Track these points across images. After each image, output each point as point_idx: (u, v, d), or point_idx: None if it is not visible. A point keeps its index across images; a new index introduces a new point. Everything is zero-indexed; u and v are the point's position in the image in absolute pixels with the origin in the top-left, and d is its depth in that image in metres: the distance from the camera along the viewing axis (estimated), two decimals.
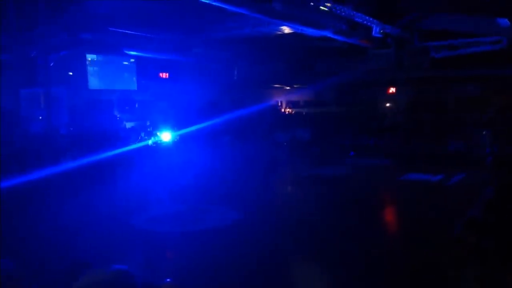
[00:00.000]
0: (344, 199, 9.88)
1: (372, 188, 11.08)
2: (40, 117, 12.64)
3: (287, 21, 10.67)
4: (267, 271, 5.81)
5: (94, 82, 13.78)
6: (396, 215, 9.31)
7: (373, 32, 11.62)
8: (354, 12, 10.48)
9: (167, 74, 15.13)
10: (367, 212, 8.77)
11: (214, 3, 8.44)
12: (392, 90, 19.49)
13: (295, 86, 20.72)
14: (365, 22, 11.18)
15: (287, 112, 21.26)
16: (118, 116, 13.66)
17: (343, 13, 10.32)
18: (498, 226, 4.64)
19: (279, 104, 21.25)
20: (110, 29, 11.62)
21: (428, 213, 8.44)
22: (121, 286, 1.44)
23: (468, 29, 12.47)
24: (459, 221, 6.22)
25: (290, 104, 21.67)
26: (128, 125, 13.40)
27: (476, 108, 17.15)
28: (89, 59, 13.70)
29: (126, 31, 12.05)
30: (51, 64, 12.31)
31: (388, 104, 20.58)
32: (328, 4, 9.71)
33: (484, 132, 14.22)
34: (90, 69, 13.71)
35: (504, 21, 11.16)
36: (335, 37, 12.48)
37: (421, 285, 5.30)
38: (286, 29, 12.45)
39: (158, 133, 10.94)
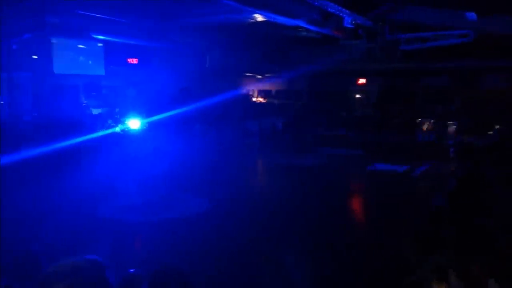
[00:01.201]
0: (313, 188, 9.99)
1: (340, 178, 11.25)
2: (2, 102, 12.15)
3: (260, 9, 10.56)
4: (238, 259, 5.82)
5: (59, 67, 13.30)
6: (362, 205, 9.48)
7: (345, 23, 11.67)
8: (327, 2, 10.47)
9: (137, 59, 14.77)
10: (334, 200, 8.90)
11: None
12: (363, 81, 19.74)
13: (267, 75, 20.68)
14: (337, 12, 11.20)
15: (259, 101, 21.23)
16: (84, 102, 13.28)
17: (316, 3, 10.30)
18: (459, 215, 4.77)
19: (252, 92, 21.17)
20: (77, 11, 11.20)
21: (393, 203, 8.62)
22: (92, 276, 1.39)
23: (437, 22, 12.68)
24: (423, 210, 6.38)
25: (263, 93, 21.64)
26: (95, 111, 13.05)
27: (444, 99, 17.60)
28: (54, 42, 13.19)
29: (94, 15, 11.65)
30: (14, 48, 11.82)
31: (359, 95, 20.84)
32: None
33: (450, 123, 14.60)
34: (55, 53, 13.21)
35: (471, 15, 11.40)
36: (308, 26, 12.46)
37: (383, 272, 5.41)
38: (259, 17, 12.35)
39: (126, 120, 10.68)
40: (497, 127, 12.35)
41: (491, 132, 12.16)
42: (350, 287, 5.15)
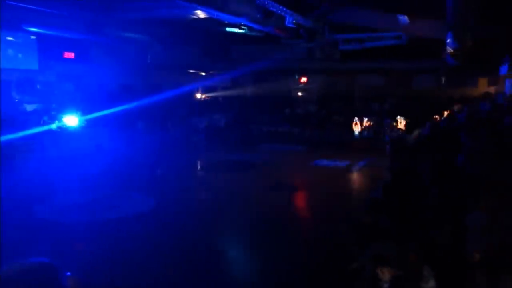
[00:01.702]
0: (257, 184, 10.14)
1: (284, 173, 11.50)
2: None
3: (203, 5, 10.51)
4: (181, 259, 5.79)
5: None
6: (304, 198, 9.77)
7: (286, 22, 11.92)
8: (269, 1, 10.63)
9: (73, 54, 14.11)
10: (277, 195, 9.10)
11: None
12: (304, 79, 20.27)
13: (211, 72, 20.61)
14: (279, 11, 11.40)
15: (204, 98, 21.11)
16: (16, 98, 12.48)
17: (258, 1, 10.43)
18: (394, 207, 5.07)
19: (196, 90, 21.00)
20: (8, 2, 10.50)
21: (334, 196, 8.98)
22: (44, 279, 1.33)
23: (372, 24, 13.32)
24: (361, 202, 6.71)
25: (207, 90, 21.54)
26: (29, 107, 12.33)
27: (380, 98, 18.52)
28: None
29: (26, 6, 11.00)
30: None
31: (301, 93, 21.37)
32: None
33: (385, 121, 15.38)
34: None
35: (403, 18, 12.08)
36: (251, 24, 12.58)
37: (324, 262, 5.63)
38: (202, 14, 12.27)
39: (63, 117, 10.20)
40: (427, 123, 13.16)
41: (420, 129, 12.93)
42: (295, 277, 5.32)
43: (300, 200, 9.77)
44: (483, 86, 17.57)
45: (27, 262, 1.38)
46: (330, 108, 18.61)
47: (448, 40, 10.81)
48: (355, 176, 11.30)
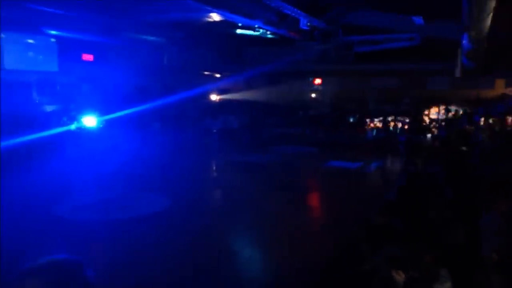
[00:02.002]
0: (271, 185, 10.20)
1: (297, 175, 11.54)
2: None
3: (218, 8, 10.62)
4: (196, 258, 5.88)
5: (9, 62, 12.73)
6: (318, 200, 9.80)
7: (301, 24, 11.96)
8: (283, 4, 10.69)
9: (92, 56, 14.36)
10: (292, 196, 9.15)
11: None
12: (318, 81, 20.27)
13: (225, 74, 20.73)
14: (293, 14, 11.46)
15: (217, 100, 21.23)
16: (36, 99, 12.77)
17: (273, 4, 10.51)
18: (408, 208, 5.09)
19: (209, 91, 21.13)
20: (28, 5, 10.75)
21: (347, 197, 9.00)
22: (70, 274, 1.37)
23: (387, 25, 13.29)
24: (375, 204, 6.72)
25: (220, 91, 21.66)
26: (49, 108, 12.60)
27: (394, 99, 18.44)
28: (4, 37, 12.59)
29: (46, 9, 11.23)
30: None
31: (314, 95, 21.38)
32: None
33: (399, 122, 15.33)
34: (5, 48, 12.61)
35: (418, 19, 12.04)
36: (265, 27, 12.65)
37: (337, 263, 5.67)
38: (217, 17, 12.38)
39: (82, 118, 10.42)
40: (443, 124, 13.10)
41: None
42: (308, 278, 5.37)
43: (313, 201, 9.80)
44: (500, 88, 17.37)
45: (53, 258, 1.41)
46: (344, 110, 18.58)
47: (463, 41, 10.74)
48: (368, 178, 11.28)
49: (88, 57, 14.24)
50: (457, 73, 17.17)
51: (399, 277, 3.11)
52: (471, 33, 10.12)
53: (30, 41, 12.90)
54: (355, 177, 11.30)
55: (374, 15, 12.77)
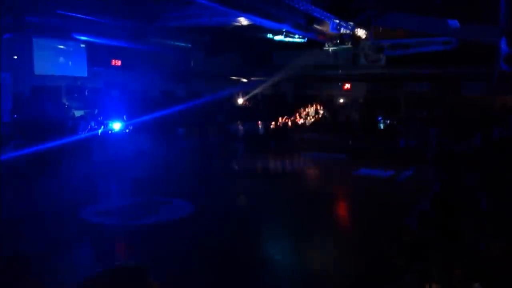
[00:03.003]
0: (300, 192, 9.96)
1: (325, 182, 11.25)
2: None
3: (246, 12, 10.54)
4: (221, 264, 5.74)
5: (40, 67, 13.05)
6: (346, 208, 9.48)
7: (330, 28, 11.72)
8: (313, 7, 10.51)
9: (120, 61, 14.58)
10: (318, 204, 8.90)
11: None
12: (347, 86, 19.91)
13: (252, 78, 20.68)
14: (322, 17, 11.25)
15: (243, 104, 21.19)
16: (66, 103, 13.04)
17: (302, 7, 10.33)
18: (442, 219, 4.80)
19: (236, 96, 21.13)
20: (58, 12, 10.98)
21: (378, 207, 8.66)
22: (135, 282, 1.39)
23: (420, 29, 12.86)
24: (407, 214, 6.41)
25: (247, 96, 21.62)
26: (77, 113, 12.84)
27: (426, 105, 17.86)
28: (36, 43, 12.94)
29: (76, 15, 11.45)
30: None
31: (343, 100, 21.02)
32: None
33: (431, 129, 14.78)
34: (36, 53, 12.94)
35: (454, 23, 11.58)
36: (293, 31, 12.50)
37: (367, 275, 5.41)
38: (244, 21, 12.32)
39: (109, 123, 10.53)
40: (478, 133, 12.53)
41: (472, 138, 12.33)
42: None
43: (342, 210, 9.50)
44: None
45: (120, 265, 1.44)
46: (374, 115, 18.12)
47: (501, 45, 10.25)
48: (400, 186, 10.86)
49: (116, 62, 14.46)
50: (494, 78, 16.48)
51: None
52: (510, 36, 9.64)
53: (61, 47, 13.19)
54: (387, 186, 10.91)
55: (406, 18, 12.38)
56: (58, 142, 9.44)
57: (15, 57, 12.76)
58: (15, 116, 11.96)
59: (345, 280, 5.40)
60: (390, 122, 17.00)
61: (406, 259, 4.00)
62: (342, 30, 12.38)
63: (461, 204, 5.31)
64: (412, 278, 3.27)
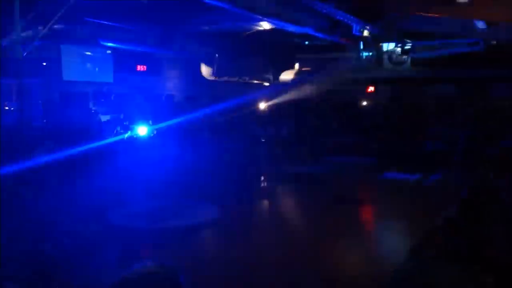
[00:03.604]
0: (322, 197, 9.90)
1: (350, 186, 11.15)
2: (12, 109, 12.21)
3: (269, 17, 10.57)
4: (249, 268, 5.77)
5: (68, 74, 13.41)
6: (372, 213, 9.37)
7: (354, 31, 11.64)
8: (335, 10, 10.46)
9: (145, 67, 14.83)
10: (343, 209, 8.83)
11: None
12: (371, 89, 19.65)
13: (275, 82, 20.66)
14: (346, 20, 11.19)
15: (267, 109, 21.16)
16: (93, 109, 13.33)
17: (324, 11, 10.30)
18: (470, 226, 4.68)
19: (259, 100, 21.12)
20: (86, 19, 11.27)
21: (404, 212, 8.53)
22: (167, 283, 1.40)
23: (446, 30, 12.63)
24: (433, 220, 6.29)
25: (270, 100, 21.57)
26: (104, 118, 13.10)
27: (453, 108, 17.48)
28: (63, 49, 13.30)
29: (103, 22, 11.72)
30: (24, 55, 11.90)
31: (367, 103, 20.76)
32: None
33: (460, 132, 14.45)
34: (64, 60, 13.30)
35: (481, 24, 11.34)
36: (316, 34, 12.46)
37: (393, 283, 5.33)
38: (267, 25, 12.37)
39: (134, 127, 10.71)
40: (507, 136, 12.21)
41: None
42: None
43: (367, 215, 9.40)
44: None
45: (149, 265, 1.44)
46: (399, 118, 17.83)
47: None
48: (426, 191, 10.66)
49: (142, 67, 14.70)
50: None
51: None
52: None
53: (88, 53, 13.51)
54: (413, 190, 10.72)
55: (431, 20, 12.18)
56: (85, 146, 9.64)
57: (44, 63, 13.13)
58: (45, 121, 12.29)
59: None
60: (417, 125, 16.69)
61: (433, 266, 3.94)
62: (366, 33, 12.28)
63: (490, 210, 5.18)
64: (439, 285, 3.20)
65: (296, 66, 19.64)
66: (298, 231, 7.42)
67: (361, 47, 15.35)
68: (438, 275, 3.53)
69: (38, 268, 4.44)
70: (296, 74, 18.46)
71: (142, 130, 10.75)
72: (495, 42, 12.69)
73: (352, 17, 11.12)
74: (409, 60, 14.88)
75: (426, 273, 3.96)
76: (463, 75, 16.24)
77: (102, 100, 13.93)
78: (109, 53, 14.10)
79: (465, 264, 3.43)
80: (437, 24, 12.13)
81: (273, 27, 12.16)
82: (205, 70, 17.14)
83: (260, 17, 10.77)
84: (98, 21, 11.63)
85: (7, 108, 12.39)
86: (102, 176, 9.32)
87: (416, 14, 11.90)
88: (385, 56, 15.02)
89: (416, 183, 11.32)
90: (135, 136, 10.71)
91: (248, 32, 13.54)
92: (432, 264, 4.35)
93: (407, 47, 14.49)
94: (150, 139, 10.94)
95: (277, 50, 17.51)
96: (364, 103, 20.59)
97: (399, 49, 14.90)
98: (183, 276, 1.43)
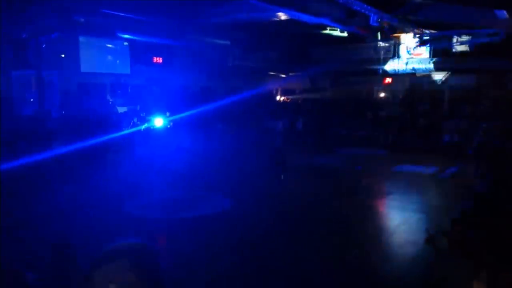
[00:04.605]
0: (339, 189, 9.88)
1: (365, 179, 11.08)
2: (32, 100, 12.47)
3: (284, 7, 10.52)
4: (260, 258, 5.81)
5: (86, 65, 13.58)
6: (389, 206, 9.31)
7: (371, 21, 11.49)
8: (352, 0, 10.35)
9: (161, 58, 14.93)
10: (357, 202, 8.81)
11: None
12: (388, 80, 19.42)
13: (290, 73, 20.58)
14: (362, 10, 11.05)
15: (282, 100, 21.14)
16: (110, 100, 13.51)
17: (341, 1, 10.20)
18: (487, 220, 4.64)
19: (274, 91, 21.11)
20: (103, 11, 11.39)
21: (419, 205, 8.47)
22: (146, 260, 1.36)
23: (465, 20, 12.37)
24: (449, 214, 6.24)
25: (285, 92, 21.53)
26: (121, 109, 13.26)
27: (471, 100, 17.17)
28: (82, 41, 13.47)
29: (120, 14, 11.83)
30: (43, 46, 12.10)
31: (384, 94, 20.54)
32: None
33: (479, 124, 14.20)
34: (82, 52, 13.48)
35: (502, 13, 11.07)
36: (333, 24, 12.36)
37: (404, 276, 5.34)
38: (283, 16, 12.29)
39: (150, 119, 10.83)
40: None
41: None
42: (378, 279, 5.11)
43: (381, 207, 9.35)
44: None
45: (130, 242, 1.41)
46: (416, 110, 17.60)
47: None
48: (443, 184, 10.54)
49: (158, 59, 14.81)
50: None
51: None
52: None
53: (106, 45, 13.66)
54: (429, 183, 10.61)
55: (450, 10, 11.94)
56: (102, 137, 9.79)
57: (63, 55, 13.33)
58: (63, 112, 12.52)
59: (383, 278, 5.34)
60: (433, 117, 16.46)
61: (448, 260, 3.94)
62: (383, 23, 12.12)
63: (508, 204, 5.12)
64: (454, 280, 3.22)
65: (311, 57, 19.50)
66: (307, 224, 7.45)
67: (379, 38, 15.17)
68: (449, 267, 3.53)
69: (57, 257, 4.55)
70: (311, 66, 18.31)
71: (158, 121, 10.86)
72: None
73: (369, 7, 10.98)
74: (428, 50, 14.65)
75: (438, 265, 3.96)
76: (480, 65, 15.92)
77: (119, 91, 14.10)
78: (126, 45, 14.22)
79: (476, 258, 3.42)
80: (455, 14, 11.90)
81: (289, 17, 12.08)
82: (220, 62, 17.17)
83: (275, 7, 10.73)
84: (116, 13, 11.74)
85: (28, 99, 12.65)
86: (119, 167, 9.49)
87: (434, 4, 11.69)
88: (404, 47, 14.82)
89: (433, 175, 11.20)
90: (151, 127, 10.84)
91: (265, 23, 13.48)
92: (445, 256, 4.35)
93: (426, 37, 14.25)
94: (166, 130, 11.05)
95: (292, 42, 17.40)
96: (381, 95, 20.38)
97: (417, 40, 14.68)
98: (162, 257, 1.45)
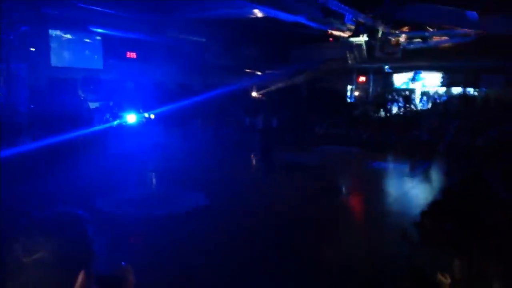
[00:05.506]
0: (314, 187, 9.90)
1: (340, 176, 11.17)
2: None
3: (261, 4, 10.51)
4: (232, 256, 5.75)
5: (56, 59, 13.20)
6: (363, 202, 9.40)
7: (345, 20, 11.61)
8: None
9: (135, 54, 14.66)
10: (332, 198, 8.86)
11: None
12: (362, 79, 19.67)
13: (267, 72, 20.58)
14: (340, 10, 11.16)
15: (258, 98, 21.10)
16: (82, 95, 13.17)
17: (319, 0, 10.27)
18: (458, 212, 4.72)
19: (251, 89, 21.05)
20: (76, 4, 11.09)
21: (393, 200, 8.59)
22: (73, 229, 1.33)
23: (438, 21, 12.65)
24: (421, 207, 6.34)
25: (262, 89, 21.51)
26: (93, 105, 12.95)
27: (443, 98, 17.58)
28: (52, 35, 13.08)
29: (92, 7, 11.55)
30: (11, 39, 11.70)
31: (358, 93, 20.78)
32: None
33: (449, 122, 14.53)
34: (52, 45, 13.09)
35: (473, 14, 11.36)
36: (309, 23, 12.41)
37: (380, 267, 5.37)
38: (259, 13, 12.28)
39: (124, 115, 10.61)
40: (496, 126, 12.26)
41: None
42: (351, 280, 5.11)
43: (356, 204, 9.43)
44: None
45: (60, 209, 1.39)
46: (390, 109, 17.90)
47: None
48: (415, 180, 10.74)
49: (131, 54, 14.54)
50: None
51: (445, 280, 2.95)
52: None
53: (77, 39, 13.31)
54: (402, 179, 10.79)
55: (424, 11, 12.18)
56: (73, 134, 9.54)
57: (32, 49, 12.91)
58: (32, 106, 12.12)
59: (358, 270, 5.36)
60: (405, 115, 16.76)
61: (419, 249, 3.99)
62: (358, 23, 12.26)
63: (478, 198, 5.22)
64: (426, 267, 3.26)
65: (288, 56, 19.58)
66: (287, 226, 7.43)
67: (354, 37, 15.31)
68: (421, 258, 3.57)
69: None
70: (287, 64, 18.38)
71: (131, 118, 10.66)
72: (485, 33, 12.72)
73: (346, 7, 11.10)
74: (400, 50, 14.89)
75: (411, 257, 4.00)
76: (452, 65, 16.30)
77: (91, 86, 13.76)
78: (99, 39, 13.90)
79: (447, 249, 3.47)
80: (429, 15, 12.15)
81: (265, 15, 12.07)
82: (197, 59, 17.01)
83: (253, 4, 10.69)
84: (88, 6, 11.45)
85: None
86: (91, 164, 9.26)
87: (408, 4, 11.91)
88: (377, 47, 15.01)
89: (405, 172, 11.39)
90: (125, 124, 10.63)
91: (242, 21, 13.42)
92: (417, 248, 4.39)
93: (400, 37, 14.48)
94: (139, 127, 10.86)
95: (270, 41, 17.42)
96: (355, 93, 20.61)
97: (391, 40, 14.90)
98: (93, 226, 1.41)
